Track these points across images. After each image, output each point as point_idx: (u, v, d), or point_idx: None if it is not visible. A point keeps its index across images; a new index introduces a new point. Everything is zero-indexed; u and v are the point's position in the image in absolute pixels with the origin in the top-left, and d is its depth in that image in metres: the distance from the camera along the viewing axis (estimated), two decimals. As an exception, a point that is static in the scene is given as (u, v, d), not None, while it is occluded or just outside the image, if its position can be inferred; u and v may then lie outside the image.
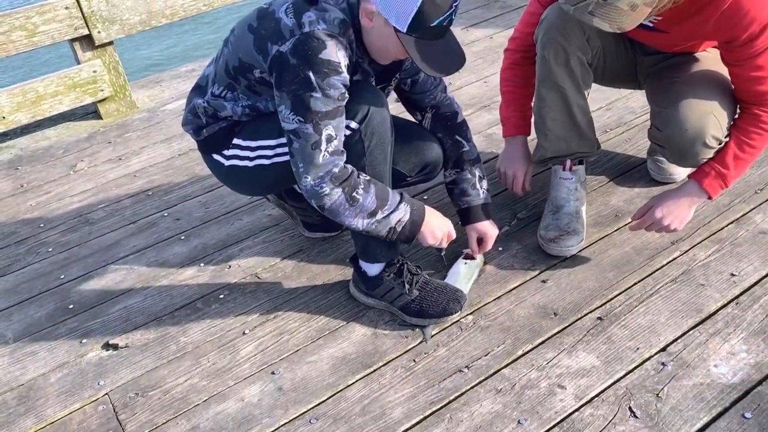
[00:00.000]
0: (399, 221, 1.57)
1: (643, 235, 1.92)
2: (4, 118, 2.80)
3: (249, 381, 1.63)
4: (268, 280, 1.94)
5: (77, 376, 1.69)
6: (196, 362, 1.70)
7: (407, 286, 1.71)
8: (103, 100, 2.99)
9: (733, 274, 1.75)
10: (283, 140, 1.60)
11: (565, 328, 1.66)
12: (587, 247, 1.90)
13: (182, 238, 2.17)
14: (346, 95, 1.52)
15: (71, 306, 1.93)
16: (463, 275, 1.81)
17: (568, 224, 1.87)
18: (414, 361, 1.63)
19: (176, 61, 5.25)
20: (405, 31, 1.42)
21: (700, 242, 1.87)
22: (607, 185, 2.13)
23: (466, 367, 1.59)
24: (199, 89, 1.71)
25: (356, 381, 1.60)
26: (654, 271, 1.79)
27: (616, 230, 1.95)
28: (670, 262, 1.82)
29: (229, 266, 2.01)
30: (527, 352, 1.61)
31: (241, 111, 1.65)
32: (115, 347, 1.77)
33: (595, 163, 2.22)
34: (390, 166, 1.65)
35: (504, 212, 2.07)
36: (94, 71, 2.92)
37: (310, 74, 1.45)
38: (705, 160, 1.69)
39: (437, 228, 1.66)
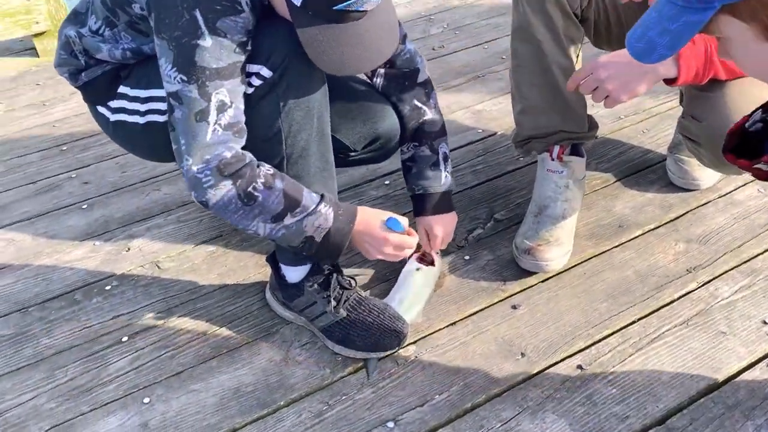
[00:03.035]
0: (317, 229, 1.15)
1: (651, 256, 1.49)
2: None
3: (108, 409, 1.23)
4: (169, 271, 1.53)
5: None
6: (51, 375, 1.31)
7: (333, 303, 1.29)
8: (40, 34, 2.56)
9: (765, 322, 1.32)
10: None
11: (533, 376, 1.25)
12: (577, 265, 1.48)
13: (84, 207, 1.76)
14: (249, 47, 1.10)
15: (-74, 283, 1.54)
16: (418, 287, 1.39)
17: (551, 231, 1.44)
18: (327, 404, 1.22)
19: None
20: (299, 4, 1.03)
21: (724, 273, 1.43)
22: (612, 186, 1.69)
23: (393, 420, 1.19)
24: (76, 17, 1.29)
25: (245, 425, 1.20)
26: (661, 307, 1.37)
27: (617, 246, 1.52)
28: (683, 296, 1.39)
29: (129, 249, 1.61)
30: (477, 407, 1.20)
31: (121, 55, 1.23)
32: (-40, 344, 1.38)
33: (600, 157, 1.78)
34: (327, 138, 1.23)
35: (479, 210, 1.65)
36: (28, -1, 2.49)
37: (197, 13, 1.04)
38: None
39: (380, 239, 1.24)
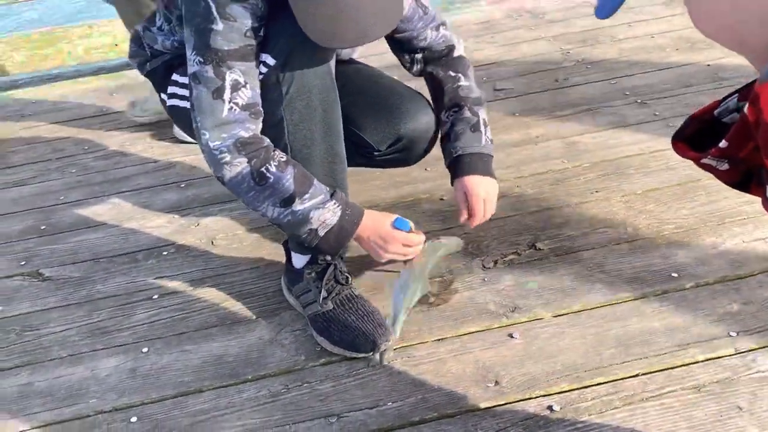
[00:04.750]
0: (323, 224, 1.21)
1: (692, 312, 1.29)
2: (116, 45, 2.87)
3: (114, 351, 1.38)
4: (219, 247, 1.67)
5: (-14, 296, 1.59)
6: (88, 314, 1.49)
7: (324, 293, 1.32)
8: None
9: (801, 408, 1.09)
10: None
11: (496, 406, 1.15)
12: (602, 306, 1.33)
13: (182, 185, 1.98)
14: (260, 31, 1.18)
15: (43, 227, 1.85)
16: (408, 298, 1.34)
17: None
18: (287, 386, 1.24)
19: None
20: None
21: (774, 344, 1.20)
22: (683, 233, 1.50)
23: (338, 416, 1.17)
24: (150, 17, 1.48)
25: (210, 389, 1.26)
26: (676, 366, 1.19)
27: (658, 294, 1.34)
28: (709, 360, 1.19)
29: (198, 224, 1.78)
30: (424, 422, 1.14)
31: (170, 45, 1.39)
32: (42, 277, 1.64)
33: (689, 202, 1.58)
34: (337, 132, 1.27)
35: (521, 235, 1.56)
36: None
37: (210, 1, 1.14)
38: None
39: (389, 236, 1.26)
